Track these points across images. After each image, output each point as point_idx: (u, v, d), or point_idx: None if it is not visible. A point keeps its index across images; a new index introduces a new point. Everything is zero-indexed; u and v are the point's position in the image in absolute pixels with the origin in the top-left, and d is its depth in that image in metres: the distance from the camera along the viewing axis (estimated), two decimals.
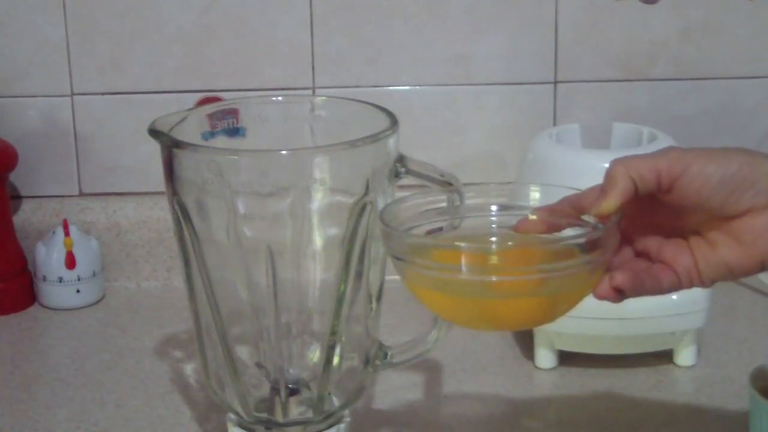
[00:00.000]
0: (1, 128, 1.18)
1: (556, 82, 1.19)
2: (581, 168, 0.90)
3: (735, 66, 1.19)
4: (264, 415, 0.81)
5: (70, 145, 1.21)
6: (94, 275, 1.15)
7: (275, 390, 0.80)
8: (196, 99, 1.13)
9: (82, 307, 1.14)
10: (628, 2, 1.16)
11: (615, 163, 0.69)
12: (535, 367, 0.99)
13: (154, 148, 0.78)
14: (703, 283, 0.71)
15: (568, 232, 0.71)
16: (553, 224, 0.71)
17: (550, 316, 0.70)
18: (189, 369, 1.00)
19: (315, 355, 0.81)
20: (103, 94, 1.20)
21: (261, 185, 0.74)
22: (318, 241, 0.78)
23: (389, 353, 0.84)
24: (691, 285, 0.71)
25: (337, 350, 0.80)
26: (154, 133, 0.77)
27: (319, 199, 0.75)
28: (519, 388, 0.96)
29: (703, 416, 0.92)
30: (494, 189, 0.76)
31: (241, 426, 0.82)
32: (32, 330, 1.11)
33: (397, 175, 0.78)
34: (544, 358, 0.99)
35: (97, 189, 1.22)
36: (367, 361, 0.83)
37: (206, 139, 0.82)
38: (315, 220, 0.76)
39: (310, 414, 0.81)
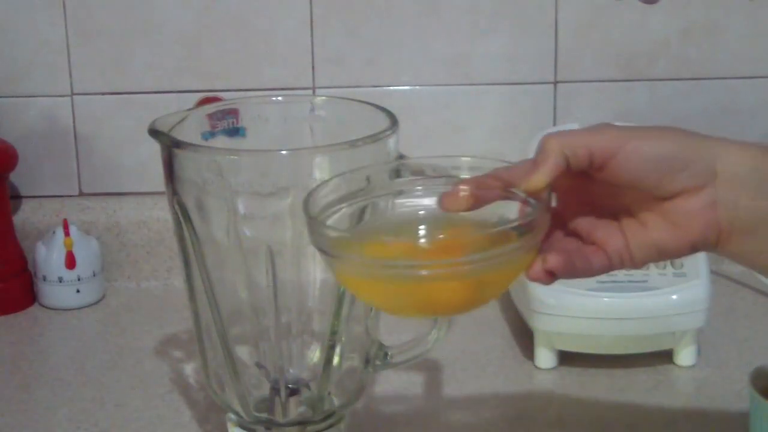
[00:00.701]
0: (1, 128, 1.18)
1: (556, 82, 1.19)
2: None
3: (735, 66, 1.19)
4: (264, 415, 0.81)
5: (70, 145, 1.21)
6: (94, 275, 1.15)
7: (275, 390, 0.80)
8: (196, 99, 1.13)
9: (82, 307, 1.14)
10: (628, 2, 1.16)
11: (548, 137, 0.67)
12: (535, 367, 0.99)
13: (154, 148, 0.78)
14: (635, 264, 0.69)
15: (499, 205, 0.68)
16: (481, 197, 0.68)
17: (484, 299, 0.68)
18: (189, 369, 1.00)
19: (315, 355, 0.81)
20: (103, 94, 1.20)
21: (261, 185, 0.74)
22: None
23: (389, 353, 0.84)
24: (622, 266, 0.69)
25: (337, 350, 0.79)
26: (154, 133, 0.77)
27: None
28: (519, 388, 0.96)
29: (703, 416, 0.92)
30: (431, 160, 0.74)
31: (241, 426, 0.82)
32: (32, 330, 1.11)
33: (397, 175, 0.78)
34: (544, 358, 0.99)
35: (97, 189, 1.22)
36: (367, 361, 0.83)
37: (206, 139, 0.82)
38: None
39: (310, 414, 0.81)
